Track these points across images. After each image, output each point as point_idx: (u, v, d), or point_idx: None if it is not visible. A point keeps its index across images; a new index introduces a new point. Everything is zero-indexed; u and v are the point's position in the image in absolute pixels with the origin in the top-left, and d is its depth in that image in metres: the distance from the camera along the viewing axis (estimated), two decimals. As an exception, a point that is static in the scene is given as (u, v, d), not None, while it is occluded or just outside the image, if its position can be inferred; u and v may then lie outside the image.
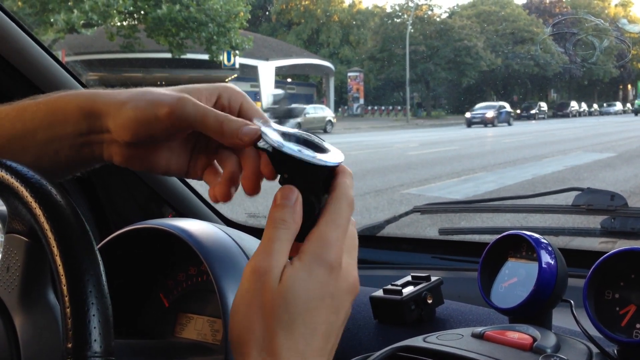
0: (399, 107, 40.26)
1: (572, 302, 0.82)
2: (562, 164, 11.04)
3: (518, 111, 37.39)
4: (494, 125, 27.69)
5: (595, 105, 42.61)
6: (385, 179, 9.30)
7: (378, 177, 9.51)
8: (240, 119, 0.55)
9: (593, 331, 0.75)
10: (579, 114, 39.22)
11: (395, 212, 1.75)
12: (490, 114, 28.46)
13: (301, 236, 0.51)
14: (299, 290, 0.48)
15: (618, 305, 0.74)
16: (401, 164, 11.62)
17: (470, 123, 27.99)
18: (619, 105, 43.23)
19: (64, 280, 0.49)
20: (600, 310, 0.74)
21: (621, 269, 0.74)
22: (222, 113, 0.55)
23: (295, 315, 0.48)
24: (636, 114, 37.46)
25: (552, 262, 0.81)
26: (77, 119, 0.57)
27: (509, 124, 28.70)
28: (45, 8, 19.77)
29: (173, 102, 0.54)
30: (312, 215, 0.51)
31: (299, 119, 24.00)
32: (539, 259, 0.81)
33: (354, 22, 49.91)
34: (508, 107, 30.25)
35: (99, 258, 0.51)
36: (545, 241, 0.84)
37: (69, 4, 20.02)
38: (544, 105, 37.99)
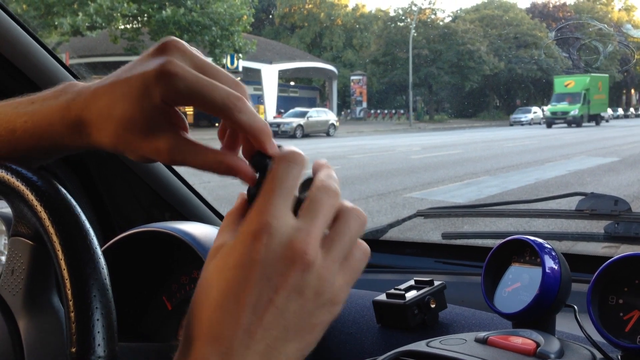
0: (402, 111, 40.26)
1: (575, 307, 0.81)
2: (565, 168, 11.03)
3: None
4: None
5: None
6: (388, 183, 9.30)
7: (381, 181, 9.51)
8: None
9: (597, 337, 0.75)
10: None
11: (398, 216, 1.75)
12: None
13: None
14: (221, 262, 0.46)
15: (622, 310, 0.74)
16: (404, 168, 11.62)
17: None
18: (536, 112, 34.21)
19: (68, 284, 0.49)
20: (604, 316, 0.74)
21: (625, 274, 0.74)
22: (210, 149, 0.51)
23: (221, 289, 0.45)
24: (549, 126, 29.28)
25: (556, 267, 0.81)
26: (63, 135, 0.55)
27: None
28: (50, 11, 19.87)
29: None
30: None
31: (301, 122, 24.02)
32: (542, 264, 0.81)
33: (357, 26, 50.02)
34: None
35: (103, 262, 0.51)
36: (548, 246, 0.83)
37: (74, 6, 20.12)
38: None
